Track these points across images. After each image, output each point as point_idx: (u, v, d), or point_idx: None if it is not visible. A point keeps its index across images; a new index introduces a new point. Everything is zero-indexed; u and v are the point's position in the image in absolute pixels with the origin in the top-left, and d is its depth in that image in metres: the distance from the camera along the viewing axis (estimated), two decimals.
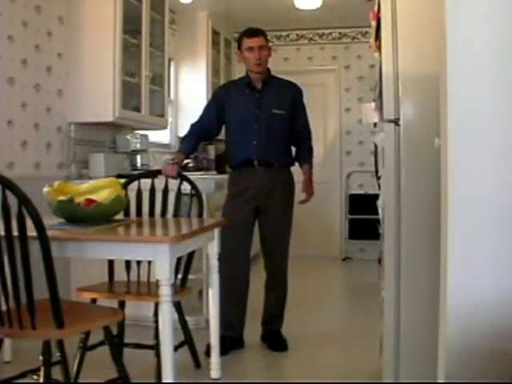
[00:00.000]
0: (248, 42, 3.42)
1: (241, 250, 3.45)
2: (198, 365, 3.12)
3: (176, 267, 2.92)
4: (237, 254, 3.42)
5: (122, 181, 2.89)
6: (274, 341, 3.51)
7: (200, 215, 3.16)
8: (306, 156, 3.62)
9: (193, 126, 3.56)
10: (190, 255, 3.03)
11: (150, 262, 2.91)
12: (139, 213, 3.18)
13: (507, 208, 1.54)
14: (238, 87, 3.54)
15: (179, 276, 3.01)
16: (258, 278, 3.70)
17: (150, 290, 2.91)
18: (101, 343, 2.77)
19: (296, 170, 3.62)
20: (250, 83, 3.49)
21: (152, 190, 3.21)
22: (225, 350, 3.21)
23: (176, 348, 2.72)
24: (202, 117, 3.57)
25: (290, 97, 3.52)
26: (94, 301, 2.84)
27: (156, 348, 2.79)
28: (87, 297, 2.83)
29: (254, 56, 3.40)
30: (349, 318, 4.42)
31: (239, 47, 3.49)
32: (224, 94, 3.54)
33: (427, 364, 2.18)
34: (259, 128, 3.43)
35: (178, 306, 2.97)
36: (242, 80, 3.57)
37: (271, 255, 3.54)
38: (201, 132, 3.53)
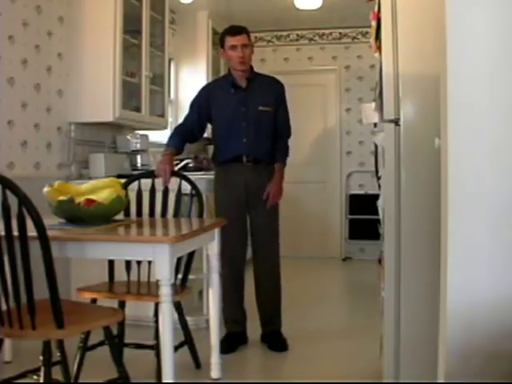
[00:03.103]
0: (231, 41, 3.43)
1: (237, 244, 3.48)
2: (198, 365, 3.12)
3: (176, 267, 2.92)
4: (233, 248, 3.46)
5: (123, 181, 2.89)
6: (274, 341, 3.52)
7: (200, 215, 3.16)
8: (281, 154, 3.59)
9: (176, 128, 3.60)
10: (190, 255, 3.03)
11: (150, 262, 2.91)
12: (139, 213, 3.18)
13: (507, 208, 1.55)
14: (223, 86, 3.55)
15: (179, 276, 3.01)
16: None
17: (150, 290, 2.91)
18: (101, 343, 2.77)
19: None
20: (235, 82, 3.51)
21: (152, 190, 3.21)
22: (233, 346, 3.31)
23: (176, 348, 2.72)
24: (185, 119, 3.60)
25: (275, 93, 3.56)
26: (94, 301, 2.84)
27: (156, 348, 2.79)
28: (87, 297, 2.83)
29: (238, 54, 3.41)
30: (349, 318, 4.42)
31: (222, 46, 3.50)
32: (207, 95, 3.54)
33: (427, 364, 2.18)
34: (248, 125, 3.46)
35: (178, 306, 2.97)
36: (226, 78, 3.60)
37: (262, 249, 3.52)
38: (184, 133, 3.53)
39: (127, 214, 3.10)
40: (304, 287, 5.10)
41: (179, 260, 2.95)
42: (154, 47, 4.77)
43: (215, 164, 3.63)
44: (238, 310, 3.54)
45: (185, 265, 3.04)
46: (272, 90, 3.57)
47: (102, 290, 2.87)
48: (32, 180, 3.21)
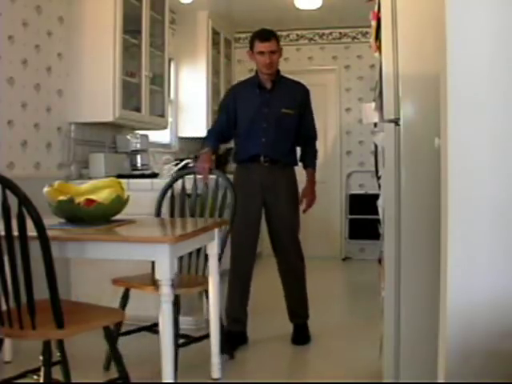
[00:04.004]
0: (259, 47, 3.50)
1: (248, 241, 3.52)
2: (231, 356, 3.25)
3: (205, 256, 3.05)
4: (243, 247, 3.50)
5: (123, 181, 2.89)
6: (297, 334, 3.61)
7: (233, 214, 3.21)
8: (311, 158, 3.73)
9: (210, 130, 3.73)
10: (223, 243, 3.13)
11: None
12: (182, 212, 3.30)
13: (507, 208, 1.55)
14: (248, 87, 3.64)
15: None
16: (263, 275, 3.70)
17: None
18: (139, 329, 2.91)
19: (299, 170, 3.68)
20: (260, 83, 3.58)
21: (194, 188, 3.32)
22: (233, 346, 3.36)
23: (201, 339, 3.01)
24: (216, 121, 3.74)
25: (299, 97, 3.63)
26: (126, 291, 2.96)
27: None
28: (125, 286, 2.94)
29: (265, 60, 3.49)
30: (349, 318, 4.42)
31: (251, 47, 3.57)
32: (233, 96, 3.65)
33: (427, 364, 2.18)
34: (268, 126, 3.53)
35: (207, 296, 3.07)
36: (252, 80, 3.67)
37: (283, 250, 3.59)
38: (217, 135, 3.65)
39: (172, 214, 3.27)
40: None
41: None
42: (154, 47, 4.77)
43: (235, 162, 3.71)
44: (240, 309, 3.56)
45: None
46: (296, 94, 3.63)
47: (144, 282, 2.93)
48: (32, 180, 3.21)
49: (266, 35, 3.51)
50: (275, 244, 3.62)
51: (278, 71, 3.60)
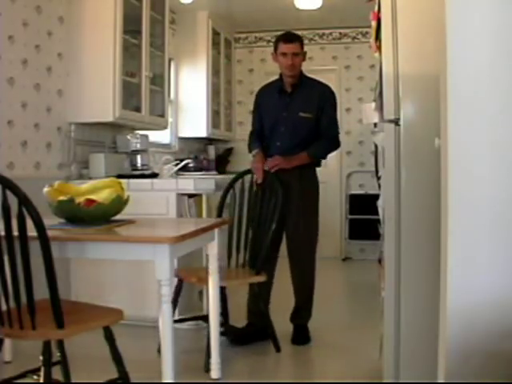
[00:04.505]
0: (283, 48, 3.54)
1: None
2: (278, 349, 3.35)
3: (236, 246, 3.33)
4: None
5: (123, 181, 2.89)
6: (296, 334, 3.62)
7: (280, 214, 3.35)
8: (313, 148, 3.60)
9: (251, 134, 3.81)
10: (255, 234, 3.41)
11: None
12: (241, 211, 3.46)
13: (507, 208, 1.55)
14: (271, 90, 3.72)
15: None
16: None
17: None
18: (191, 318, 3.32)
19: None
20: (282, 87, 3.63)
21: (251, 186, 3.50)
22: (246, 339, 3.47)
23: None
24: (252, 124, 3.84)
25: (317, 99, 3.62)
26: (180, 281, 3.18)
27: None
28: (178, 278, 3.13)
29: (287, 62, 3.53)
30: (349, 318, 4.42)
31: (275, 50, 3.61)
32: (258, 99, 3.78)
33: (427, 364, 2.18)
34: (285, 130, 3.58)
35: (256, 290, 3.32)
36: (275, 83, 3.73)
37: (296, 251, 3.63)
38: (258, 136, 3.74)
39: (240, 215, 3.46)
40: None
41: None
42: (154, 47, 4.76)
43: None
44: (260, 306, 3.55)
45: (251, 242, 3.34)
46: (316, 96, 3.62)
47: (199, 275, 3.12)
48: (32, 180, 3.20)
49: (289, 37, 3.55)
50: (288, 247, 3.65)
51: (301, 74, 3.62)
